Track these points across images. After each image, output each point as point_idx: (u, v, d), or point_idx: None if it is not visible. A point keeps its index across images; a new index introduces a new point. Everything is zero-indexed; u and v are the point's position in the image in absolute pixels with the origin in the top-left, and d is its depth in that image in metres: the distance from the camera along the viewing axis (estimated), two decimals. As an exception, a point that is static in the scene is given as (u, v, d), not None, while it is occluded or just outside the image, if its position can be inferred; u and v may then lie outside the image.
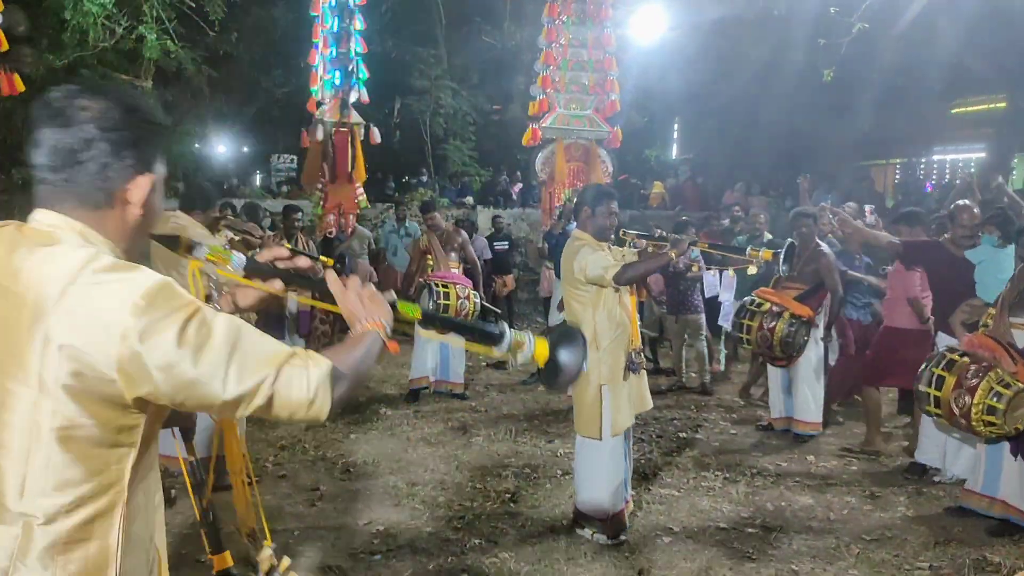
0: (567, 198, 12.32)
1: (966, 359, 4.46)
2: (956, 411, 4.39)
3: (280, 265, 1.86)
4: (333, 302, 1.81)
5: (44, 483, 1.39)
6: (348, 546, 4.39)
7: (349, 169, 12.29)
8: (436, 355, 7.66)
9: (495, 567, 4.13)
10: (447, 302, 7.11)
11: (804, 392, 6.48)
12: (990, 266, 5.21)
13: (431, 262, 7.60)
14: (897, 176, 19.41)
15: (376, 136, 12.68)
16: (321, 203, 11.89)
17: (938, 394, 4.47)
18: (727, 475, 5.60)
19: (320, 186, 12.32)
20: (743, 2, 13.51)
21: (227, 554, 2.89)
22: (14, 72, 7.72)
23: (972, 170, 15.58)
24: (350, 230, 11.47)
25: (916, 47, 12.90)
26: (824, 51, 10.51)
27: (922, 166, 18.95)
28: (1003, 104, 14.73)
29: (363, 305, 1.76)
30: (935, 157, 18.85)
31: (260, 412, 1.47)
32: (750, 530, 4.66)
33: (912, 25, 11.71)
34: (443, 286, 7.18)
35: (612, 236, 4.64)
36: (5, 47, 6.86)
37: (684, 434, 6.69)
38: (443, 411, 7.27)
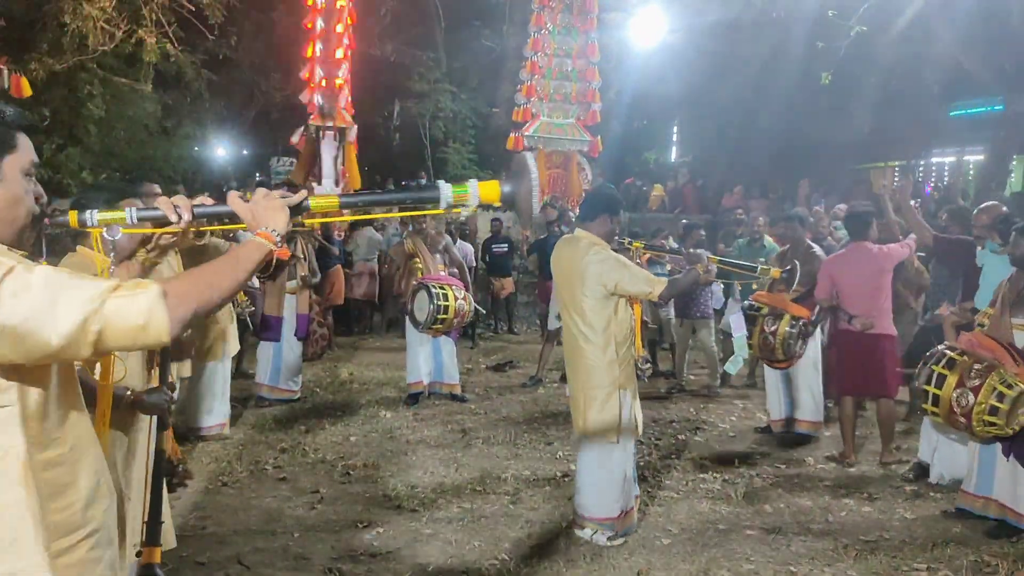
0: (545, 204, 12.44)
1: (967, 358, 4.46)
2: (957, 410, 4.38)
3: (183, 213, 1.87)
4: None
5: None
6: (348, 548, 4.40)
7: (339, 173, 12.60)
8: (429, 359, 7.65)
9: (495, 569, 4.15)
10: (446, 303, 7.06)
11: (805, 392, 6.51)
12: (993, 271, 5.18)
13: (419, 265, 7.59)
14: (896, 178, 19.42)
15: (352, 135, 12.87)
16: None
17: (938, 392, 4.45)
18: (726, 477, 5.62)
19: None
20: (741, 5, 13.55)
21: (158, 550, 2.89)
22: (22, 75, 7.80)
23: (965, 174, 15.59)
24: (341, 235, 11.56)
25: (914, 49, 12.94)
26: (822, 53, 10.55)
27: (920, 168, 18.97)
28: (1001, 106, 14.75)
29: (255, 215, 1.80)
30: (934, 159, 18.86)
31: (100, 346, 1.51)
32: (749, 532, 4.67)
33: (910, 27, 11.75)
34: (440, 287, 7.13)
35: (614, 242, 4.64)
36: None
37: (683, 436, 6.71)
38: (442, 414, 7.28)
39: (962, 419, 4.39)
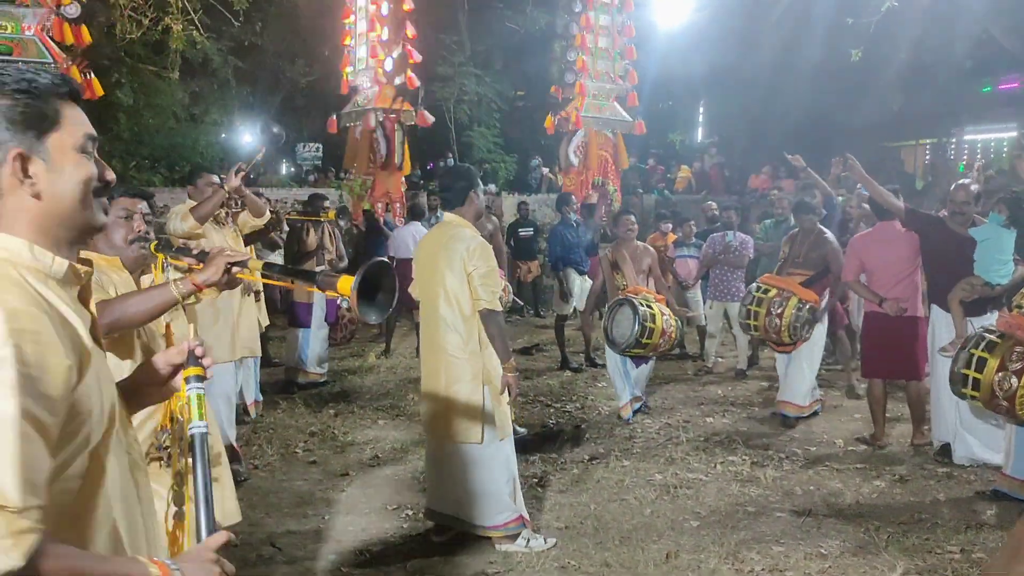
0: (596, 184, 12.36)
1: (1007, 341, 4.39)
2: (999, 393, 4.31)
3: None
4: None
5: None
6: (379, 530, 4.45)
7: (397, 159, 12.66)
8: None
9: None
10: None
11: (796, 375, 6.44)
12: (992, 245, 5.15)
13: None
14: (927, 157, 19.10)
15: (427, 117, 12.90)
16: (368, 192, 12.26)
17: (979, 376, 4.39)
18: (755, 459, 5.58)
19: (350, 174, 12.54)
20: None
21: None
22: (93, 77, 7.97)
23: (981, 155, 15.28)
24: (399, 218, 11.62)
25: (944, 23, 12.69)
26: (850, 29, 10.39)
27: (952, 146, 18.61)
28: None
29: None
30: (966, 137, 18.49)
31: None
32: (779, 514, 4.65)
33: (940, 0, 11.53)
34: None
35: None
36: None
37: (711, 419, 6.68)
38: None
39: (1004, 403, 4.32)
